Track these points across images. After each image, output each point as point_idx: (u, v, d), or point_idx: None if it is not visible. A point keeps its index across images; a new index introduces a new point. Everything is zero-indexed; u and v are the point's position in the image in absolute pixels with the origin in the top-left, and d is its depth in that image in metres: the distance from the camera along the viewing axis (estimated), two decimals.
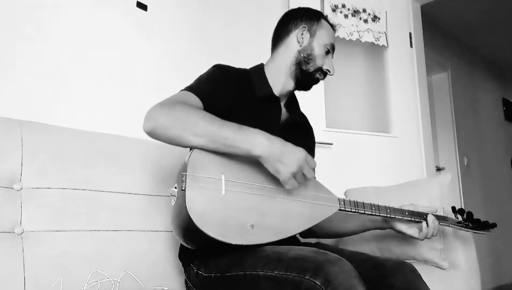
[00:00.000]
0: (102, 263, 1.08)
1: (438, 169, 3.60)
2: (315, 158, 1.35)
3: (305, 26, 1.16)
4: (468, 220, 1.27)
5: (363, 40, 2.42)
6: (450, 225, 1.24)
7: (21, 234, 1.00)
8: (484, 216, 3.92)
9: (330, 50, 1.18)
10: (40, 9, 1.43)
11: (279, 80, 1.18)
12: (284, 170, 0.89)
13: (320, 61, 1.16)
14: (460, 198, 3.54)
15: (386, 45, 2.50)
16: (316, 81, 1.19)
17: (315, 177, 1.01)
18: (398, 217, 1.14)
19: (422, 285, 0.92)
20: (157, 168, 1.29)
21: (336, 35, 2.29)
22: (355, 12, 2.43)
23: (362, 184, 1.80)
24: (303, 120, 1.30)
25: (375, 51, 2.66)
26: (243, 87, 1.12)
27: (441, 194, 1.54)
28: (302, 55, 1.15)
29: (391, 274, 0.92)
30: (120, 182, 1.21)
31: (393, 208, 1.14)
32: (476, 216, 1.29)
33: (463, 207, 3.65)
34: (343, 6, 2.40)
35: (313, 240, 1.51)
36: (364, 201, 1.09)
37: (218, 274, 0.92)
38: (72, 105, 1.47)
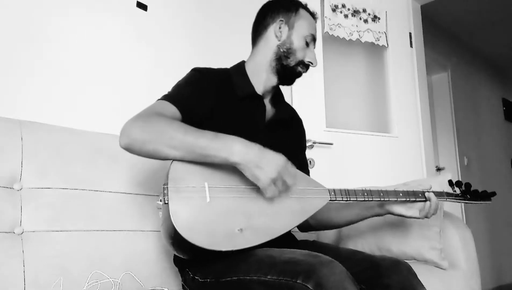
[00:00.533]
0: (102, 263, 1.08)
1: (438, 169, 3.60)
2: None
3: (282, 19, 1.13)
4: (466, 192, 1.24)
5: (363, 40, 2.42)
6: (448, 199, 1.21)
7: (21, 234, 1.00)
8: (484, 215, 3.92)
9: (310, 41, 1.15)
10: (40, 9, 1.43)
11: (261, 77, 1.15)
12: (263, 176, 0.87)
13: (301, 54, 1.12)
14: None
15: (386, 45, 2.50)
16: (299, 74, 1.16)
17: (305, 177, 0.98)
18: (392, 199, 1.11)
19: (418, 285, 0.91)
20: (157, 168, 1.29)
21: (336, 35, 2.32)
22: (355, 12, 2.43)
23: (362, 184, 1.79)
24: (291, 114, 1.27)
25: (375, 51, 2.66)
26: (223, 89, 1.10)
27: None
28: (281, 50, 1.12)
29: (387, 274, 0.91)
30: (120, 182, 1.21)
31: (386, 191, 1.11)
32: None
33: (463, 206, 3.62)
34: (343, 6, 2.40)
35: (312, 237, 1.51)
36: (356, 189, 1.07)
37: (214, 280, 0.92)
38: (72, 105, 1.47)
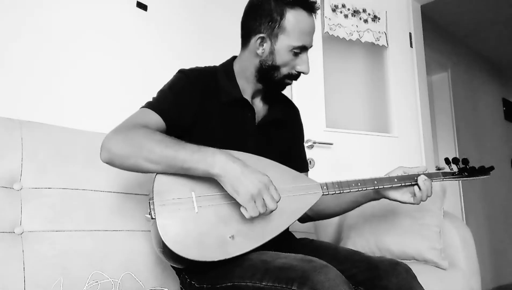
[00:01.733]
0: (102, 263, 1.08)
1: (438, 169, 3.60)
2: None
3: (263, 35, 1.01)
4: (464, 169, 1.20)
5: (363, 40, 2.42)
6: (444, 179, 1.18)
7: (21, 234, 1.00)
8: (485, 215, 3.92)
9: (301, 51, 1.03)
10: (40, 9, 1.43)
11: (248, 83, 1.09)
12: (243, 190, 0.83)
13: (286, 68, 1.04)
14: (460, 198, 3.54)
15: (386, 45, 2.50)
16: (287, 84, 1.09)
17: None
18: (387, 186, 1.08)
19: (417, 287, 0.90)
20: None
21: (336, 35, 2.32)
22: (355, 12, 2.43)
23: None
24: (286, 109, 1.21)
25: (375, 51, 2.66)
26: (209, 93, 1.05)
27: (441, 193, 1.55)
28: (264, 66, 1.04)
29: (385, 276, 0.91)
30: (120, 182, 1.21)
31: (380, 178, 1.08)
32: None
33: (462, 202, 3.60)
34: (343, 6, 2.40)
35: (311, 236, 1.50)
36: (348, 179, 1.04)
37: (210, 286, 0.92)
38: (72, 105, 1.47)
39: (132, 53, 1.67)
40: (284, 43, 1.01)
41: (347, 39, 2.39)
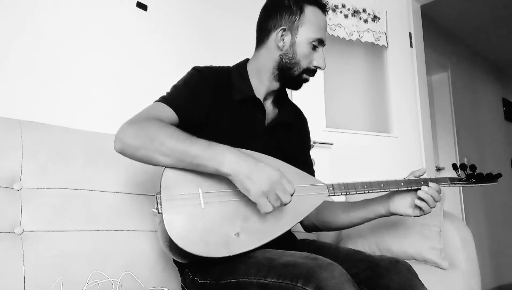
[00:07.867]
0: (102, 263, 1.08)
1: (438, 169, 3.60)
2: (314, 155, 1.32)
3: (284, 27, 1.05)
4: (471, 176, 1.19)
5: (363, 40, 2.42)
6: (451, 185, 1.16)
7: (21, 234, 1.00)
8: (485, 215, 3.92)
9: (318, 44, 1.08)
10: (40, 9, 1.43)
11: (263, 82, 1.11)
12: (254, 188, 0.83)
13: (306, 62, 1.07)
14: (460, 198, 3.54)
15: (386, 45, 2.50)
16: (305, 81, 1.11)
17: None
18: (393, 189, 1.08)
19: (418, 285, 0.90)
20: (158, 168, 1.29)
21: (336, 35, 2.32)
22: (355, 12, 2.43)
23: None
24: (295, 115, 1.23)
25: (375, 51, 2.66)
26: (222, 91, 1.06)
27: (441, 193, 1.54)
28: (284, 60, 1.06)
29: (386, 275, 0.91)
30: (120, 182, 1.21)
31: (387, 181, 1.07)
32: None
33: (462, 202, 3.59)
34: (343, 6, 2.40)
35: (311, 236, 1.50)
36: (355, 181, 1.04)
37: (213, 282, 0.92)
38: (72, 105, 1.47)
39: (132, 53, 1.67)
40: (304, 36, 1.06)
41: (347, 39, 2.39)
